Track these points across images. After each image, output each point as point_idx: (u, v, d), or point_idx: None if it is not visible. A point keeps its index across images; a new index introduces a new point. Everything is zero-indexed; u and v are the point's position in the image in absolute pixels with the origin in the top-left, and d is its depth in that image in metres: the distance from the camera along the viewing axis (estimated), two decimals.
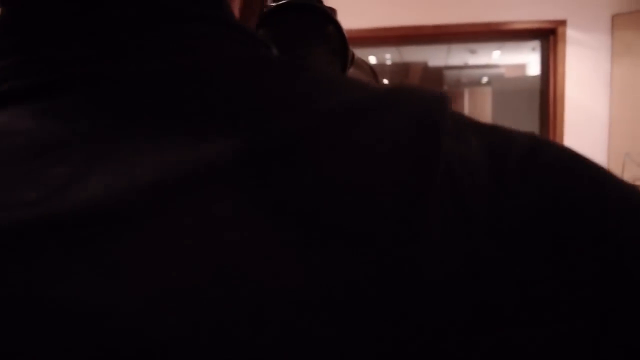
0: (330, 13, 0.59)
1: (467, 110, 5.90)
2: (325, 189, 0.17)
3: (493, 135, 0.21)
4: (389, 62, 5.97)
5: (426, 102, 0.21)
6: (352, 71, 0.98)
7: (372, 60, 5.42)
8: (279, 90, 0.20)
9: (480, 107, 5.69)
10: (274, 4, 0.62)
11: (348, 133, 0.19)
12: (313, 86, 0.21)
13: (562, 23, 3.42)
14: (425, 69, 6.30)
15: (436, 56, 5.80)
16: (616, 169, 3.23)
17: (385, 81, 5.72)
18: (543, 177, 0.19)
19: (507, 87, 5.09)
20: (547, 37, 3.53)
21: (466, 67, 6.36)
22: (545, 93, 3.57)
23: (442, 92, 0.22)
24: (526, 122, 3.97)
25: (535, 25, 3.51)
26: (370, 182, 0.18)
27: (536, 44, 3.89)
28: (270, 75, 0.21)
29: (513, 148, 0.20)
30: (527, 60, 5.47)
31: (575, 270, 0.17)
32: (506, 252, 0.17)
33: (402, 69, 6.15)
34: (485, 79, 6.57)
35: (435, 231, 0.17)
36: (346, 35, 0.59)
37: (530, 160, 0.20)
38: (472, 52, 5.55)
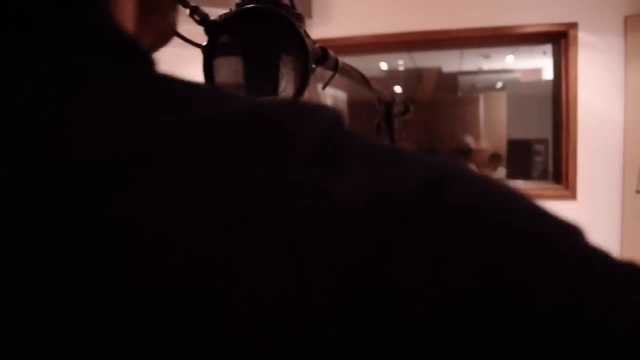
0: (292, 20, 0.58)
1: (482, 115, 5.84)
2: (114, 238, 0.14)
3: (385, 167, 0.17)
4: (401, 68, 5.95)
5: (293, 125, 0.17)
6: (339, 79, 0.97)
7: (384, 66, 5.39)
8: (93, 112, 0.17)
9: (495, 112, 5.63)
10: (235, 9, 0.62)
11: (172, 167, 0.16)
12: (152, 105, 0.18)
13: (574, 26, 3.37)
14: (439, 75, 6.27)
15: (450, 62, 5.76)
16: (632, 174, 3.16)
17: (398, 88, 5.70)
18: (437, 228, 0.15)
19: (521, 92, 5.04)
20: (559, 40, 3.48)
21: (480, 72, 6.31)
22: (558, 97, 3.52)
23: (333, 110, 0.19)
24: (541, 127, 3.92)
25: (546, 29, 3.47)
26: (180, 234, 0.15)
27: (548, 47, 3.84)
28: (96, 94, 0.18)
29: (404, 185, 0.16)
30: (543, 64, 5.40)
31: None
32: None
33: (415, 75, 6.12)
34: (500, 84, 6.51)
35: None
36: (308, 43, 0.58)
37: (423, 202, 0.16)
38: (486, 57, 5.50)
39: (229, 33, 0.60)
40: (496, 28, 3.62)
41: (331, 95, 5.12)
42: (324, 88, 1.03)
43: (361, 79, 1.17)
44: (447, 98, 6.21)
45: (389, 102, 1.59)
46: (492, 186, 0.18)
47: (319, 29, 3.92)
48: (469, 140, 5.29)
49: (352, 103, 5.29)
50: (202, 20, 0.60)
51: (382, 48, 4.08)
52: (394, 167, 0.17)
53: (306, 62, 0.58)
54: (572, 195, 3.38)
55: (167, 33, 0.36)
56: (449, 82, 6.44)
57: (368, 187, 0.16)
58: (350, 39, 3.88)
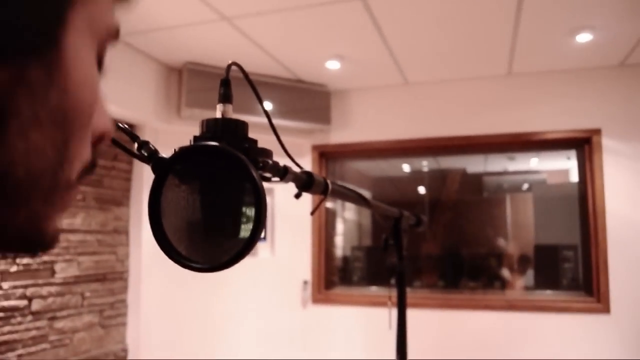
0: (245, 161, 0.52)
1: (509, 216, 5.70)
2: None
3: None
4: (425, 169, 5.93)
5: None
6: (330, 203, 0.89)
7: (406, 167, 5.39)
8: None
9: (522, 214, 5.48)
10: (191, 144, 0.57)
11: None
12: None
13: (597, 132, 3.31)
14: (464, 175, 6.22)
15: (474, 163, 5.74)
16: None
17: (422, 188, 5.65)
18: None
19: (549, 194, 4.93)
20: (582, 146, 3.42)
21: (506, 173, 6.25)
22: (585, 204, 3.39)
23: None
24: (570, 230, 3.77)
25: (570, 135, 3.43)
26: None
27: (572, 152, 3.77)
28: None
29: None
30: (570, 165, 5.31)
31: None
32: None
33: (439, 175, 6.09)
34: (526, 185, 6.41)
35: None
36: (260, 185, 0.52)
37: None
38: (511, 158, 5.47)
39: (177, 171, 0.55)
40: (519, 134, 3.60)
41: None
42: (312, 214, 0.96)
43: (359, 199, 1.10)
44: (472, 199, 6.12)
45: (397, 217, 1.51)
46: None
47: (337, 134, 3.97)
48: (501, 243, 5.11)
49: (377, 201, 5.23)
50: (150, 156, 0.56)
51: (403, 153, 4.08)
52: None
53: (259, 197, 0.51)
54: (605, 309, 3.16)
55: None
56: (473, 182, 6.38)
57: None
58: (369, 143, 3.90)
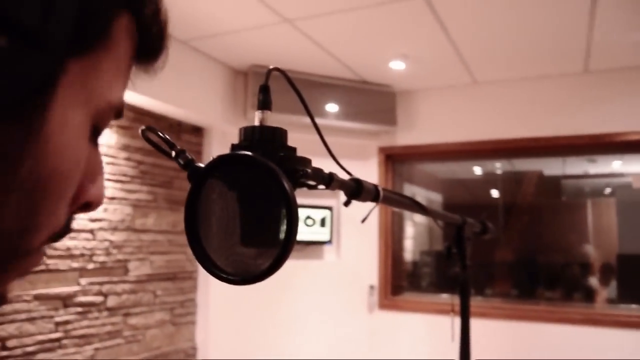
0: (275, 170, 0.50)
1: (590, 222, 5.38)
2: None
3: None
4: (499, 172, 5.72)
5: None
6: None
7: (478, 170, 5.22)
8: None
9: (604, 220, 5.16)
10: (221, 154, 0.56)
11: None
12: None
13: None
14: (541, 178, 5.95)
15: (551, 165, 5.47)
16: None
17: (496, 191, 5.44)
18: None
19: (634, 199, 4.60)
20: None
21: (586, 176, 5.90)
22: None
23: None
24: None
25: None
26: None
27: None
28: None
29: None
30: None
31: None
32: None
33: (514, 178, 5.85)
34: (608, 189, 6.03)
35: None
36: (292, 196, 0.50)
37: None
38: (591, 161, 5.16)
39: (213, 179, 0.54)
40: (600, 135, 3.38)
41: (424, 196, 4.99)
42: (363, 222, 0.94)
43: (415, 207, 1.06)
44: (549, 203, 5.83)
45: (459, 225, 1.45)
46: None
47: (403, 135, 3.89)
48: (588, 250, 4.83)
49: (446, 205, 5.10)
50: (186, 164, 0.55)
51: (474, 155, 3.94)
52: None
53: (290, 210, 0.49)
54: None
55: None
56: (551, 186, 6.08)
57: None
58: (437, 145, 3.80)
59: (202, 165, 0.54)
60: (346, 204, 0.80)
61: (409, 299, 3.98)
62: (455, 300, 1.44)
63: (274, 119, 0.60)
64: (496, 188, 5.61)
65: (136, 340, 3.15)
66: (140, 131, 0.58)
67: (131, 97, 2.84)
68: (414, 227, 4.71)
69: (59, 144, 0.30)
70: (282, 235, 0.51)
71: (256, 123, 0.60)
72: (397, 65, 3.39)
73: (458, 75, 3.57)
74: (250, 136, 0.57)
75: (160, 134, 0.58)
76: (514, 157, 4.43)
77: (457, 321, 1.42)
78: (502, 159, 4.72)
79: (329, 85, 3.57)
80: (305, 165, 0.60)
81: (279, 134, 0.58)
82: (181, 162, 0.56)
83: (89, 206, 0.37)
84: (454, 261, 1.48)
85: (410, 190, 4.54)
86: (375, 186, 0.87)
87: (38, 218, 0.31)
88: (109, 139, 2.94)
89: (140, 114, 3.13)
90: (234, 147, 0.58)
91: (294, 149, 0.59)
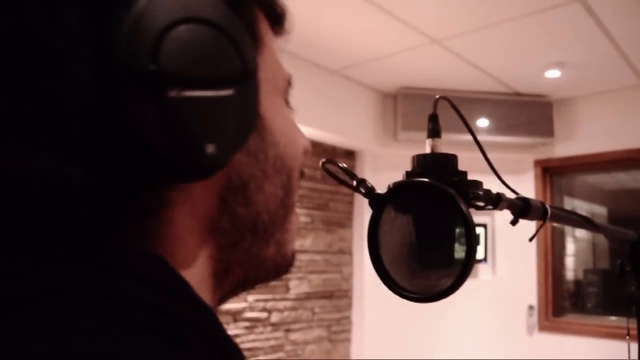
0: (454, 196, 0.53)
1: None
2: None
3: None
4: None
5: None
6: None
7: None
8: None
9: None
10: (400, 181, 0.60)
11: None
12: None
13: None
14: None
15: None
16: None
17: None
18: None
19: None
20: None
21: None
22: None
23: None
24: None
25: None
26: None
27: None
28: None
29: None
30: None
31: None
32: None
33: None
34: None
35: None
36: (470, 219, 0.53)
37: None
38: None
39: (393, 205, 0.59)
40: None
41: (587, 210, 4.61)
42: (530, 240, 0.92)
43: (585, 223, 1.01)
44: None
45: (635, 241, 1.34)
46: None
47: (562, 146, 3.65)
48: None
49: (613, 218, 4.66)
50: (367, 192, 0.61)
51: None
52: None
53: (469, 232, 0.53)
54: None
55: (257, 266, 0.38)
56: None
57: None
58: (602, 154, 3.50)
59: (380, 192, 0.59)
60: (513, 222, 0.80)
61: (573, 321, 3.67)
62: (632, 323, 1.33)
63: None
64: None
65: (296, 355, 3.31)
66: (320, 164, 0.65)
67: None
68: (574, 243, 4.35)
69: (280, 128, 0.39)
70: (460, 255, 0.54)
71: (427, 150, 0.63)
72: (552, 74, 3.21)
73: (622, 78, 3.28)
74: (424, 163, 0.61)
75: (340, 165, 0.64)
76: None
77: (634, 347, 1.31)
78: None
79: (479, 100, 3.50)
80: (477, 188, 0.62)
81: (451, 160, 0.61)
82: (362, 190, 0.61)
83: (304, 154, 0.45)
84: (628, 280, 1.36)
85: (571, 203, 4.22)
86: (542, 203, 0.86)
87: (293, 181, 0.41)
88: None
89: None
90: (408, 174, 0.62)
91: (464, 173, 0.62)
